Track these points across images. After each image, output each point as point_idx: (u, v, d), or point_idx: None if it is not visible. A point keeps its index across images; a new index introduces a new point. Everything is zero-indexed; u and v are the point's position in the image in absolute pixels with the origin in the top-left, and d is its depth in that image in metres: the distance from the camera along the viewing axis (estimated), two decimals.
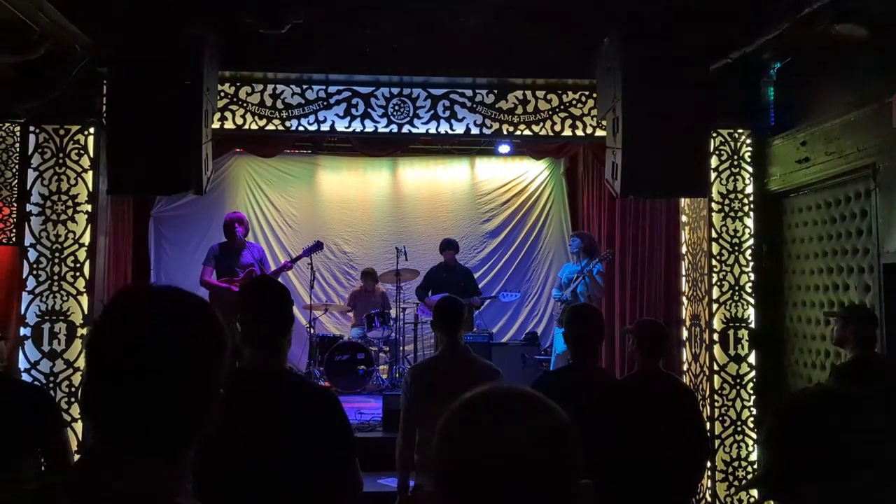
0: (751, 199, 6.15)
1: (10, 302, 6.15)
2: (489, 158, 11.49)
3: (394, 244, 10.18)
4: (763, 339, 6.08)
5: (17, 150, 5.69)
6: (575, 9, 5.68)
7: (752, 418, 6.01)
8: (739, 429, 6.01)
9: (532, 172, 11.52)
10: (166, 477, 1.27)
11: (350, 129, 6.20)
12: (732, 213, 6.13)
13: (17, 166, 5.68)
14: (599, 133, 6.19)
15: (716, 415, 6.00)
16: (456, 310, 4.19)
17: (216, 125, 5.89)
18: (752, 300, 6.09)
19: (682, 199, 6.68)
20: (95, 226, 5.67)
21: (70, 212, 5.64)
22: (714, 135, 6.09)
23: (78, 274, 5.62)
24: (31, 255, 5.60)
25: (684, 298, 6.68)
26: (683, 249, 6.71)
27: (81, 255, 5.63)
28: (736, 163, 6.16)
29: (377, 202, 11.48)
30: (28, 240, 5.60)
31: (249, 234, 7.87)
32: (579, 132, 6.29)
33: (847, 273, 5.26)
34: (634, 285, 8.74)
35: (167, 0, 5.07)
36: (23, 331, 5.56)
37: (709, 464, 5.87)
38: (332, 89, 6.13)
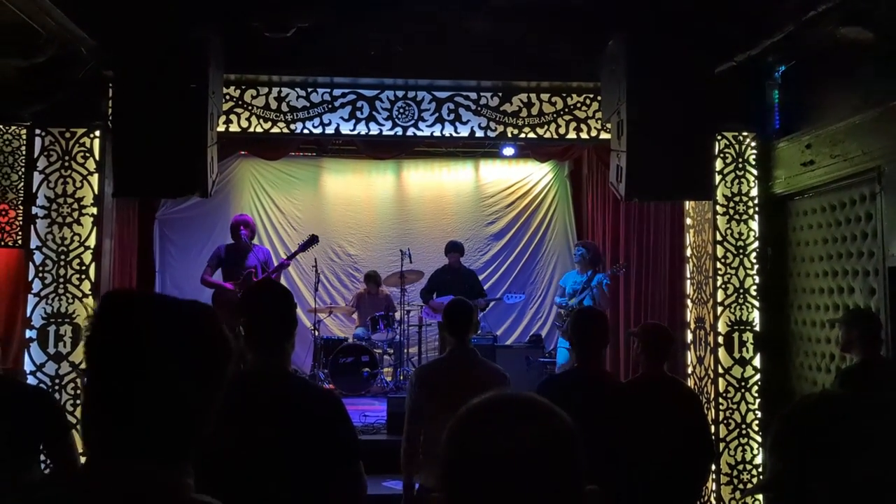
0: (755, 201, 6.15)
1: (15, 304, 6.18)
2: (493, 161, 11.48)
3: (398, 246, 10.19)
4: (768, 342, 6.06)
5: (23, 152, 5.71)
6: (579, 11, 5.68)
7: (756, 422, 6.00)
8: (744, 432, 5.99)
9: (536, 175, 11.52)
10: (175, 478, 1.28)
11: (355, 132, 6.21)
12: (737, 216, 6.12)
13: (22, 169, 5.70)
14: (604, 136, 6.19)
15: (720, 418, 5.99)
16: (465, 312, 4.19)
17: (221, 128, 5.90)
18: (756, 303, 6.08)
19: (687, 202, 6.67)
20: (101, 228, 5.69)
21: (76, 214, 5.65)
22: (719, 137, 6.09)
23: (83, 276, 5.63)
24: (37, 257, 5.61)
25: (689, 301, 6.68)
26: (688, 252, 6.70)
27: (87, 257, 5.65)
28: (741, 165, 6.16)
29: (382, 204, 11.49)
30: (34, 242, 5.61)
31: (254, 237, 7.85)
32: (584, 135, 6.29)
33: (852, 276, 5.25)
34: (639, 288, 8.73)
35: (173, 3, 5.08)
36: (28, 333, 5.58)
37: (713, 467, 5.86)
38: (336, 92, 6.14)
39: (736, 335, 6.05)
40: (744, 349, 6.05)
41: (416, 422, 4.14)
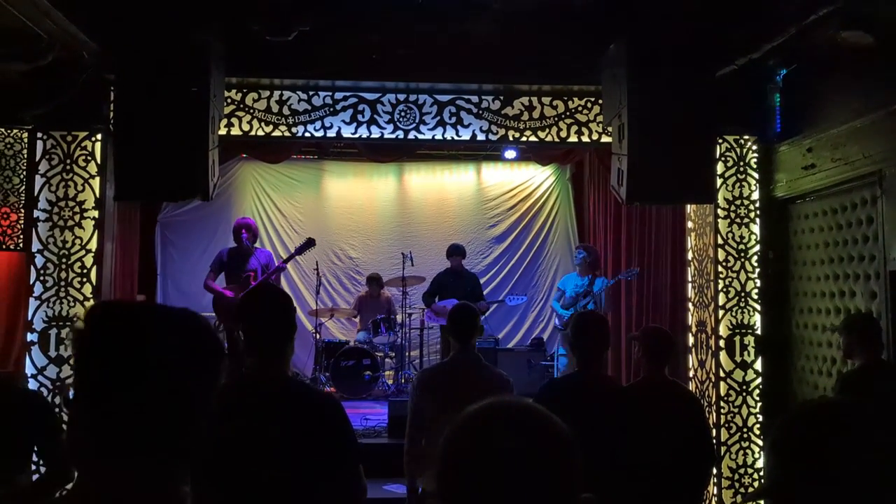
0: (757, 205, 6.15)
1: (17, 307, 6.18)
2: (495, 164, 11.49)
3: (400, 249, 10.19)
4: (769, 346, 6.06)
5: (25, 156, 5.72)
6: (581, 15, 5.68)
7: (758, 425, 6.00)
8: (745, 436, 5.99)
9: (538, 178, 11.52)
10: (169, 480, 1.28)
11: (356, 135, 6.22)
12: (738, 220, 6.12)
13: (24, 172, 5.72)
14: (605, 139, 6.20)
15: (722, 421, 5.98)
16: (470, 317, 4.18)
17: (223, 131, 5.91)
18: (758, 306, 6.08)
19: (688, 206, 6.67)
20: (102, 232, 5.69)
21: (77, 218, 5.67)
22: (720, 141, 6.09)
23: (85, 280, 5.64)
24: (39, 260, 5.62)
25: (690, 305, 6.67)
26: (689, 256, 6.70)
27: (88, 260, 5.66)
28: (742, 169, 6.16)
29: (383, 207, 11.49)
30: (35, 246, 5.63)
31: (256, 240, 7.85)
32: (585, 138, 6.30)
33: (853, 280, 5.24)
34: (641, 292, 8.73)
35: (174, 7, 5.08)
36: (29, 336, 5.58)
37: (715, 471, 5.86)
38: (338, 95, 6.15)
39: (737, 339, 6.05)
40: (745, 353, 6.04)
41: (418, 425, 4.13)
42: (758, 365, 6.04)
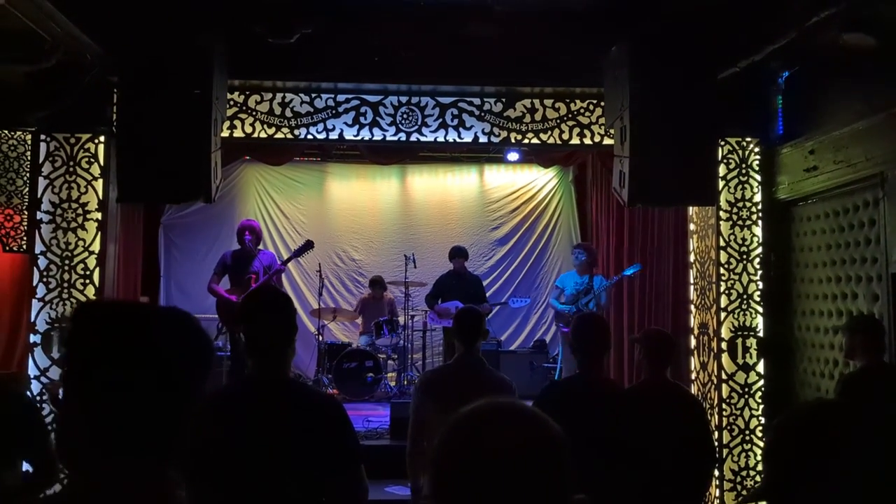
0: (759, 207, 6.14)
1: (20, 309, 6.20)
2: (498, 166, 11.48)
3: (402, 251, 10.20)
4: (771, 348, 6.06)
5: (29, 158, 5.74)
6: (582, 17, 5.69)
7: (760, 427, 5.99)
8: (748, 438, 5.98)
9: (541, 180, 11.52)
10: (161, 478, 1.29)
11: (359, 138, 6.22)
12: (740, 222, 6.12)
13: (27, 174, 5.74)
14: (607, 141, 6.19)
15: (724, 424, 5.98)
16: (475, 320, 4.19)
17: (225, 133, 5.93)
18: (760, 309, 6.07)
19: (690, 208, 6.67)
20: (105, 233, 5.71)
21: (80, 220, 5.68)
22: (722, 143, 6.09)
23: (88, 281, 5.65)
24: (42, 262, 5.64)
25: (692, 307, 6.67)
26: (691, 258, 6.70)
27: (91, 262, 5.67)
28: (744, 171, 6.16)
29: (386, 209, 11.50)
30: (38, 247, 5.64)
31: (259, 242, 7.85)
32: (587, 140, 6.30)
33: (855, 282, 5.24)
34: (643, 293, 8.73)
35: (177, 10, 5.10)
36: (32, 338, 5.60)
37: (717, 473, 5.85)
38: (340, 98, 6.16)
39: (739, 341, 6.05)
40: (747, 355, 6.04)
41: (420, 427, 4.14)
42: (760, 367, 6.04)
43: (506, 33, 5.78)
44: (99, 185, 5.73)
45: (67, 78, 5.52)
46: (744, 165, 6.16)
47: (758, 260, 6.11)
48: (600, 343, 3.83)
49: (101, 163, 5.73)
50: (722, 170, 6.09)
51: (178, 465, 1.35)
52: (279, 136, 6.16)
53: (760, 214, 6.14)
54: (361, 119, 6.17)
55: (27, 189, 5.73)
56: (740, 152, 6.17)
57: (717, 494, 5.99)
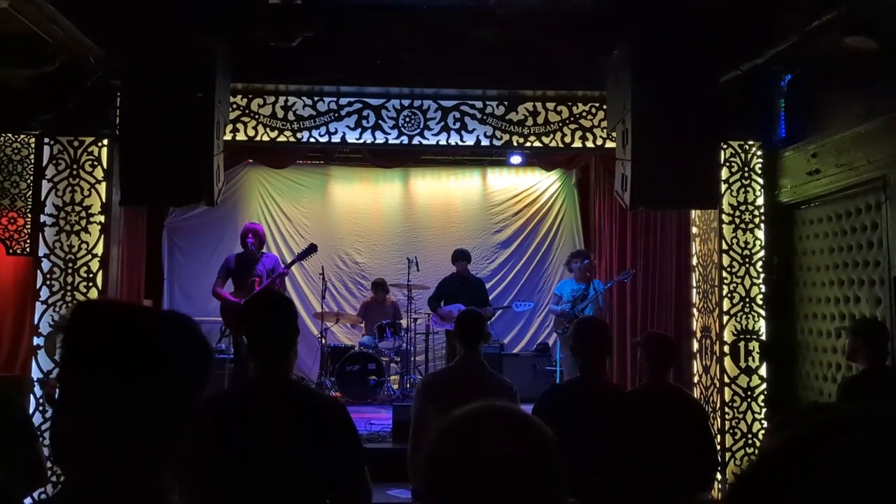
0: (761, 210, 6.14)
1: (23, 312, 6.22)
2: (501, 169, 11.49)
3: (405, 254, 10.19)
4: (774, 352, 6.05)
5: (32, 161, 5.76)
6: (584, 21, 5.69)
7: (762, 431, 5.98)
8: (750, 441, 5.97)
9: (544, 183, 11.52)
10: (157, 483, 1.29)
11: (361, 141, 6.24)
12: (743, 225, 6.12)
13: (31, 177, 5.76)
14: (609, 144, 6.20)
15: (726, 427, 5.97)
16: (477, 323, 4.19)
17: (228, 136, 5.94)
18: (762, 312, 6.07)
19: (693, 211, 6.67)
20: (108, 236, 5.73)
21: (83, 222, 5.70)
22: (724, 146, 6.09)
23: (91, 284, 5.67)
24: (45, 265, 5.65)
25: (695, 310, 6.67)
26: (694, 261, 6.70)
27: (94, 265, 5.69)
28: (746, 174, 6.16)
29: (389, 212, 11.51)
30: (42, 250, 5.66)
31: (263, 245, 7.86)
32: (589, 143, 6.30)
33: (858, 285, 5.23)
34: (645, 297, 8.72)
35: (180, 13, 5.11)
36: (36, 340, 5.61)
37: (719, 476, 5.84)
38: (343, 101, 6.18)
39: (742, 344, 6.04)
40: (750, 358, 6.03)
41: (421, 430, 4.14)
42: (762, 371, 6.04)
43: (508, 37, 5.79)
44: (102, 188, 5.75)
45: (70, 81, 5.55)
46: (746, 169, 6.16)
47: (760, 263, 6.10)
48: (601, 346, 3.83)
49: (105, 166, 5.75)
50: (724, 173, 6.09)
51: (175, 469, 1.35)
52: (282, 139, 6.18)
53: (763, 218, 6.14)
54: (364, 122, 6.18)
55: (31, 192, 5.75)
56: (742, 155, 6.17)
57: (720, 498, 5.97)
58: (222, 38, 5.24)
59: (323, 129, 6.18)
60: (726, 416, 5.99)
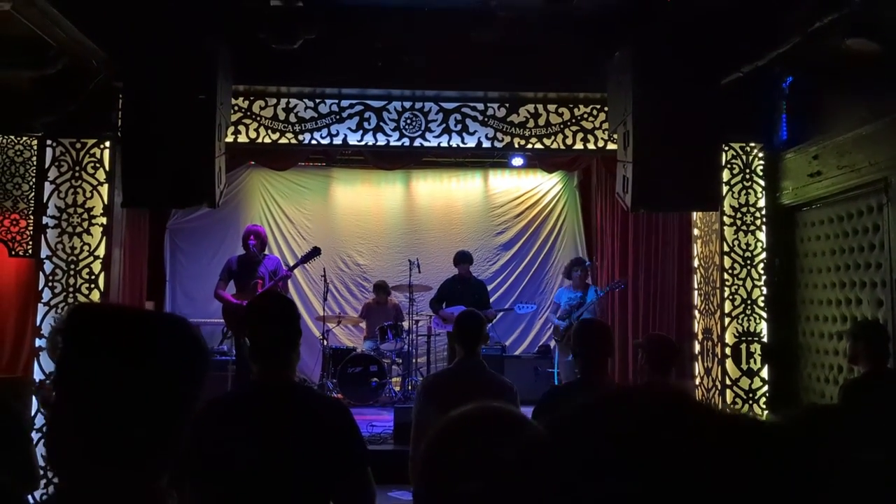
0: (763, 212, 6.14)
1: (25, 313, 6.22)
2: (502, 171, 11.50)
3: (407, 256, 10.19)
4: (776, 354, 6.05)
5: (35, 163, 5.77)
6: (586, 23, 5.70)
7: None
8: None
9: (546, 185, 11.52)
10: (152, 486, 1.29)
11: (362, 143, 6.24)
12: (745, 227, 6.12)
13: (34, 179, 5.76)
14: (611, 146, 6.20)
15: None
16: (476, 324, 4.19)
17: (230, 139, 5.95)
18: (764, 314, 6.06)
19: (694, 213, 6.67)
20: (110, 238, 5.73)
21: (85, 224, 5.71)
22: (726, 148, 6.09)
23: (93, 286, 5.67)
24: (47, 267, 5.66)
25: (696, 312, 6.66)
26: (695, 263, 6.69)
27: (96, 266, 5.69)
28: (748, 176, 6.15)
29: (391, 214, 11.52)
30: (44, 252, 5.67)
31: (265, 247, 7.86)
32: (591, 145, 6.31)
33: (860, 287, 5.23)
34: (647, 298, 8.72)
35: (181, 15, 5.12)
36: (38, 342, 5.61)
37: None
38: (344, 103, 6.18)
39: (743, 346, 6.04)
40: (751, 360, 6.03)
41: (422, 432, 4.13)
42: (764, 373, 6.03)
43: (509, 38, 5.79)
44: (104, 189, 5.76)
45: (73, 83, 5.56)
46: (748, 170, 6.16)
47: (762, 265, 6.10)
48: (602, 348, 3.83)
49: (107, 168, 5.76)
50: (726, 175, 6.09)
51: (172, 472, 1.35)
52: (283, 141, 6.18)
53: (764, 220, 6.14)
54: (365, 124, 6.19)
55: (33, 194, 5.75)
56: (744, 157, 6.16)
57: None
58: (224, 41, 5.25)
59: (324, 132, 6.19)
60: None
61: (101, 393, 1.26)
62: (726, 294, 6.07)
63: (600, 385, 3.81)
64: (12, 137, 5.78)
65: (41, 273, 5.66)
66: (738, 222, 6.12)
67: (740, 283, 6.08)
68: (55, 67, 5.25)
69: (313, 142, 6.24)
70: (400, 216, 11.50)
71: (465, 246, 10.24)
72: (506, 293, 11.13)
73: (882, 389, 4.01)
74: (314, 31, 5.47)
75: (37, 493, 3.51)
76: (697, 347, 6.60)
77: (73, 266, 5.67)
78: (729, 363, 6.02)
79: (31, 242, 5.73)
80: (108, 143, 5.77)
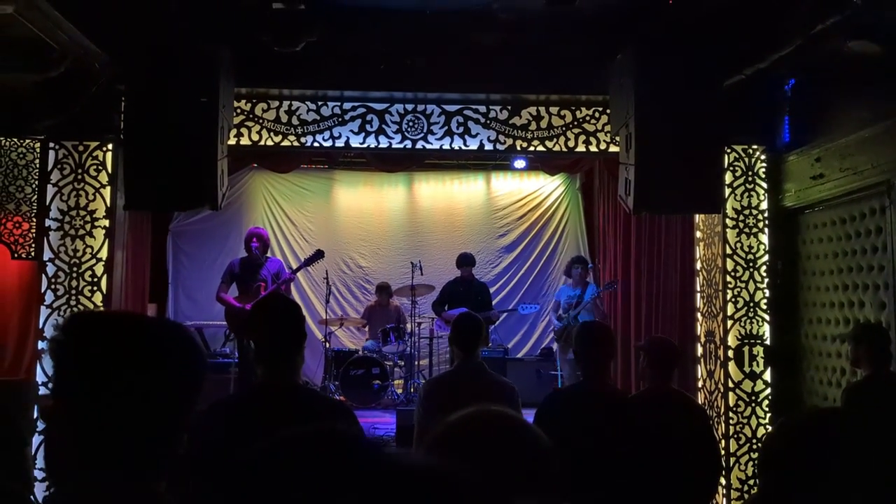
0: (765, 215, 6.13)
1: (28, 316, 6.22)
2: (505, 173, 11.50)
3: (409, 258, 10.20)
4: (778, 356, 6.03)
5: (37, 165, 5.77)
6: (588, 25, 5.69)
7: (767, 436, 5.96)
8: (755, 447, 5.95)
9: (548, 187, 11.53)
10: (150, 492, 1.29)
11: (365, 145, 6.25)
12: (747, 230, 6.11)
13: (36, 182, 5.76)
14: (613, 149, 6.19)
15: (731, 433, 5.95)
16: (473, 326, 4.20)
17: (232, 141, 5.95)
18: (767, 317, 6.05)
19: (697, 216, 6.66)
20: (113, 240, 5.73)
21: (88, 227, 5.71)
22: (728, 151, 6.08)
23: (95, 288, 5.68)
24: (50, 269, 5.66)
25: (699, 315, 6.65)
26: (698, 265, 6.68)
27: (99, 269, 5.70)
28: (750, 179, 6.14)
29: (393, 216, 11.53)
30: (47, 254, 5.67)
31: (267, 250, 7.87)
32: (593, 148, 6.30)
33: (862, 290, 5.22)
34: (649, 301, 8.71)
35: (183, 18, 5.13)
36: (41, 345, 5.62)
37: (723, 481, 5.83)
38: (346, 105, 6.18)
39: (746, 349, 6.02)
40: (754, 363, 6.01)
41: (424, 435, 4.13)
42: (767, 375, 6.02)
43: (511, 41, 5.80)
44: (107, 192, 5.76)
45: (75, 86, 5.56)
46: (750, 173, 6.15)
47: (764, 268, 6.09)
48: (604, 351, 3.83)
49: (109, 170, 5.76)
50: (728, 177, 6.08)
51: (170, 477, 1.35)
52: (286, 143, 6.19)
53: (767, 222, 6.12)
54: (367, 127, 6.19)
55: (36, 197, 5.76)
56: (746, 160, 6.15)
57: (724, 503, 5.96)
58: (226, 43, 5.25)
59: (327, 134, 6.19)
60: (730, 422, 5.97)
61: (98, 399, 1.26)
62: (729, 296, 6.06)
63: (602, 388, 3.81)
64: (15, 140, 5.79)
65: (44, 276, 5.66)
66: (741, 225, 6.11)
67: (743, 285, 6.06)
68: (58, 70, 5.25)
69: (315, 144, 6.24)
70: (402, 218, 11.51)
71: (467, 248, 10.25)
72: (508, 296, 11.14)
73: (885, 392, 4.00)
74: (316, 34, 5.47)
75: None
76: (700, 350, 6.58)
77: (75, 269, 5.67)
78: (731, 366, 6.00)
79: (33, 245, 5.74)
80: (110, 146, 5.77)
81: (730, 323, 6.04)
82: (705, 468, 4.14)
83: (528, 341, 11.15)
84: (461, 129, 6.21)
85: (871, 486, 1.34)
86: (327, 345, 9.55)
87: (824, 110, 5.67)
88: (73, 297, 5.65)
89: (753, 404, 5.98)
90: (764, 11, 5.21)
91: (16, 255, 5.77)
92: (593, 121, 6.27)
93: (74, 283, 5.66)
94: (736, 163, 6.15)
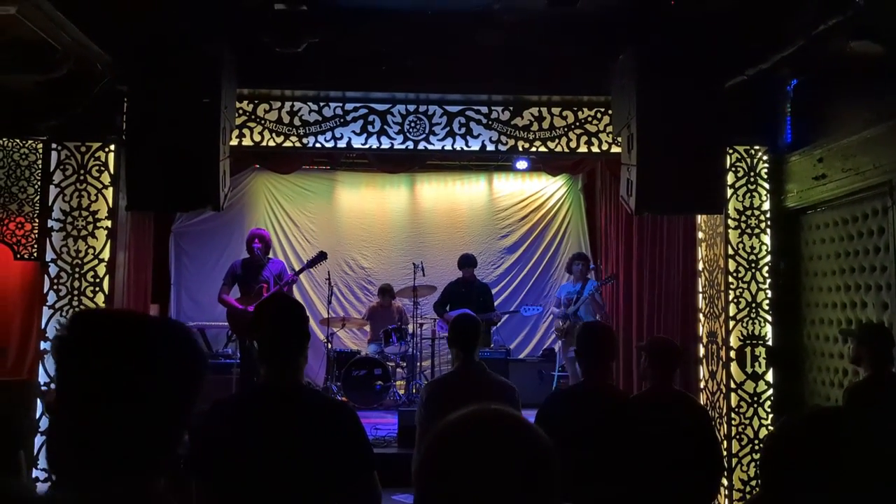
0: (767, 215, 6.12)
1: (31, 316, 6.23)
2: (507, 174, 11.50)
3: (411, 259, 10.20)
4: (780, 357, 6.03)
5: (40, 166, 5.78)
6: (590, 26, 5.70)
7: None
8: (757, 448, 5.94)
9: (550, 188, 11.53)
10: (151, 491, 1.29)
11: (366, 146, 6.25)
12: (749, 230, 6.10)
13: (39, 182, 5.78)
14: (615, 149, 6.20)
15: (733, 433, 5.95)
16: (472, 327, 4.20)
17: (234, 142, 5.96)
18: (769, 317, 6.05)
19: (699, 216, 6.65)
20: (115, 241, 5.75)
21: (90, 227, 5.72)
22: (730, 151, 6.08)
23: (98, 289, 5.69)
24: (52, 270, 5.68)
25: (701, 315, 6.64)
26: (700, 266, 6.68)
27: (101, 270, 5.71)
28: (752, 179, 6.14)
29: (395, 217, 11.53)
30: (49, 255, 5.68)
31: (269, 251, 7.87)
32: (595, 148, 6.30)
33: (865, 291, 5.22)
34: (651, 302, 8.70)
35: (185, 19, 5.14)
36: (43, 345, 5.63)
37: (725, 482, 5.82)
38: (348, 106, 6.19)
39: (748, 350, 6.02)
40: (756, 364, 6.01)
41: (426, 436, 4.13)
42: (769, 376, 6.01)
43: (513, 42, 5.80)
44: (109, 193, 5.77)
45: (78, 87, 5.57)
46: (752, 173, 6.14)
47: (766, 268, 6.08)
48: (604, 351, 3.82)
49: (112, 171, 5.77)
50: (730, 178, 6.08)
51: (172, 475, 1.35)
52: (288, 144, 6.19)
53: (769, 223, 6.12)
54: (369, 128, 6.20)
55: (38, 197, 5.77)
56: (748, 160, 6.15)
57: None
58: (228, 44, 5.26)
59: (329, 135, 6.20)
60: (733, 422, 5.96)
61: (100, 398, 1.26)
62: (731, 297, 6.05)
63: (603, 388, 3.81)
64: (17, 141, 5.80)
65: (46, 276, 5.67)
66: (743, 225, 6.11)
67: (745, 286, 6.06)
68: (60, 71, 5.26)
69: (317, 145, 6.25)
70: (404, 219, 11.51)
71: (469, 249, 10.25)
72: (510, 296, 11.13)
73: (886, 392, 4.00)
74: (318, 35, 5.48)
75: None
76: (702, 351, 6.58)
77: (77, 269, 5.68)
78: (734, 367, 6.00)
79: (36, 245, 5.75)
80: (112, 147, 5.78)
81: (732, 323, 6.04)
82: (707, 469, 4.14)
83: (529, 342, 11.15)
84: (463, 130, 6.22)
85: (872, 486, 1.34)
86: (329, 346, 9.55)
87: (826, 111, 5.66)
88: (76, 298, 5.66)
89: (755, 405, 5.97)
90: (766, 12, 5.22)
91: (18, 256, 5.78)
92: (595, 121, 6.28)
93: (77, 284, 5.67)
94: (738, 163, 6.14)
